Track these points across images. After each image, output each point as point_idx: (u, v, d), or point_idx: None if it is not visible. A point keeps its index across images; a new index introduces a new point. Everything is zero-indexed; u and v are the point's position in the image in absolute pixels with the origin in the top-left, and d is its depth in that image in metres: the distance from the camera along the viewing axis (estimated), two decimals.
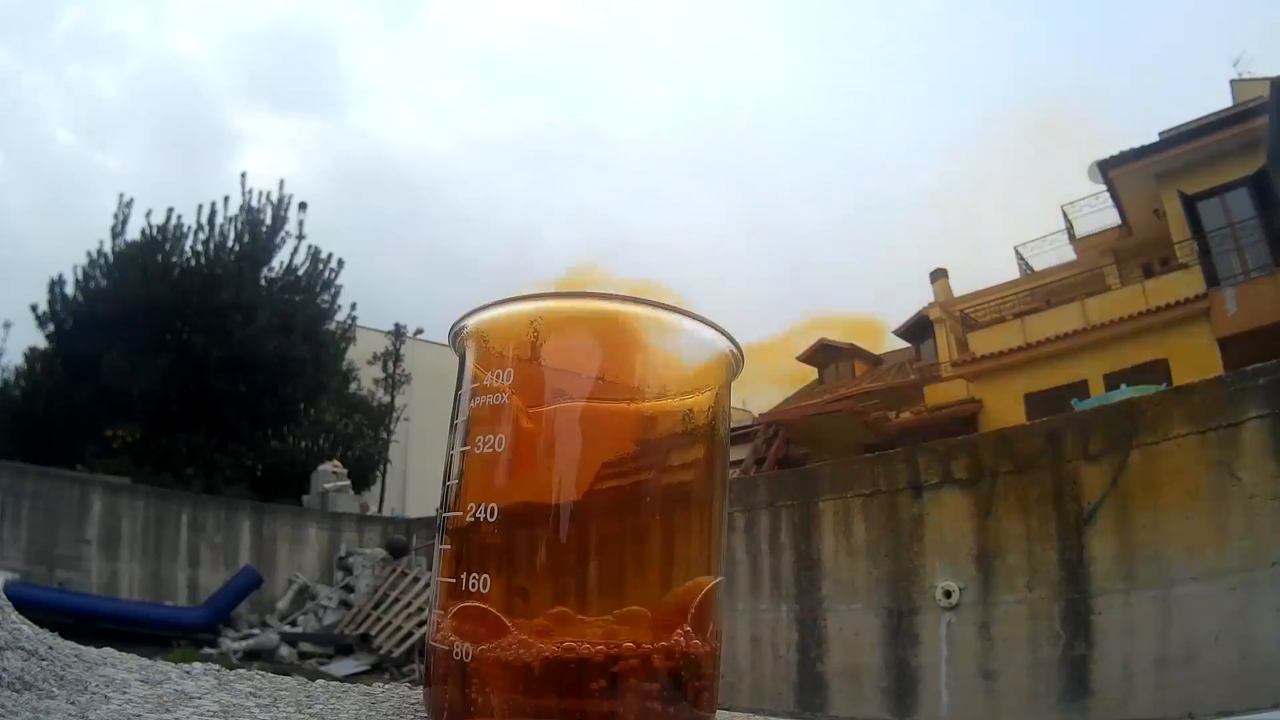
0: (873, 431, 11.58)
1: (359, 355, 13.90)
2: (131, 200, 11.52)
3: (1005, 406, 11.81)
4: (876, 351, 18.71)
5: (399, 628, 7.53)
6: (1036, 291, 14.23)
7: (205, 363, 10.39)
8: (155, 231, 11.11)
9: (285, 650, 7.52)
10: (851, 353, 18.59)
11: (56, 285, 10.99)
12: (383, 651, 7.34)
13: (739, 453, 11.17)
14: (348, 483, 11.21)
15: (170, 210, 11.23)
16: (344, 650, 7.57)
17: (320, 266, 12.15)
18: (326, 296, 12.27)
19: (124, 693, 0.45)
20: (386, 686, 0.59)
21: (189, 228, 11.28)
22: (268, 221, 11.71)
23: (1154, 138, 12.20)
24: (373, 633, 7.69)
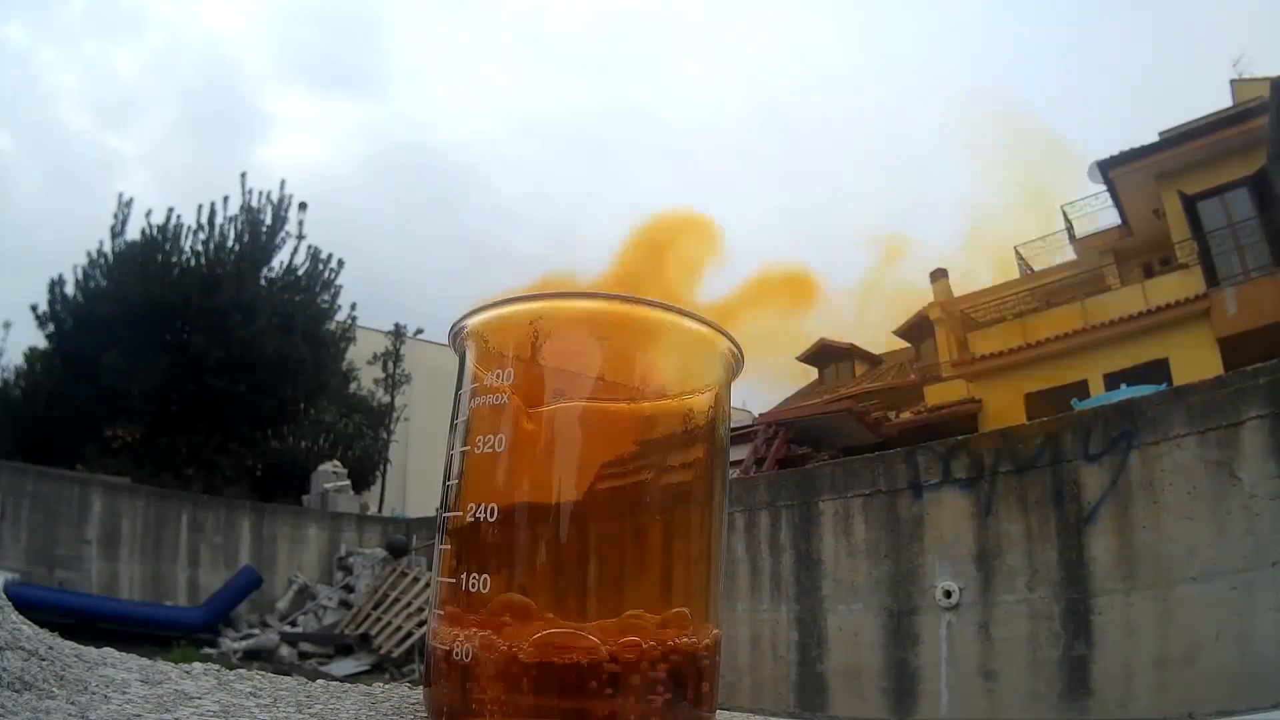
0: (873, 431, 11.57)
1: (359, 355, 13.90)
2: (131, 200, 11.54)
3: (1005, 406, 11.80)
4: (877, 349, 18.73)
5: (399, 628, 7.53)
6: (1036, 291, 14.23)
7: (205, 363, 10.39)
8: (155, 231, 11.11)
9: (285, 650, 7.52)
10: (851, 353, 18.61)
11: (56, 285, 11.00)
12: (383, 651, 7.34)
13: (739, 453, 11.15)
14: (348, 483, 11.21)
15: (170, 210, 11.26)
16: (344, 650, 7.56)
17: (320, 266, 12.15)
18: (326, 296, 12.28)
19: (124, 693, 0.45)
20: (386, 686, 0.59)
21: (189, 228, 11.29)
22: (268, 221, 11.71)
23: (1154, 138, 12.21)
24: (373, 633, 7.69)
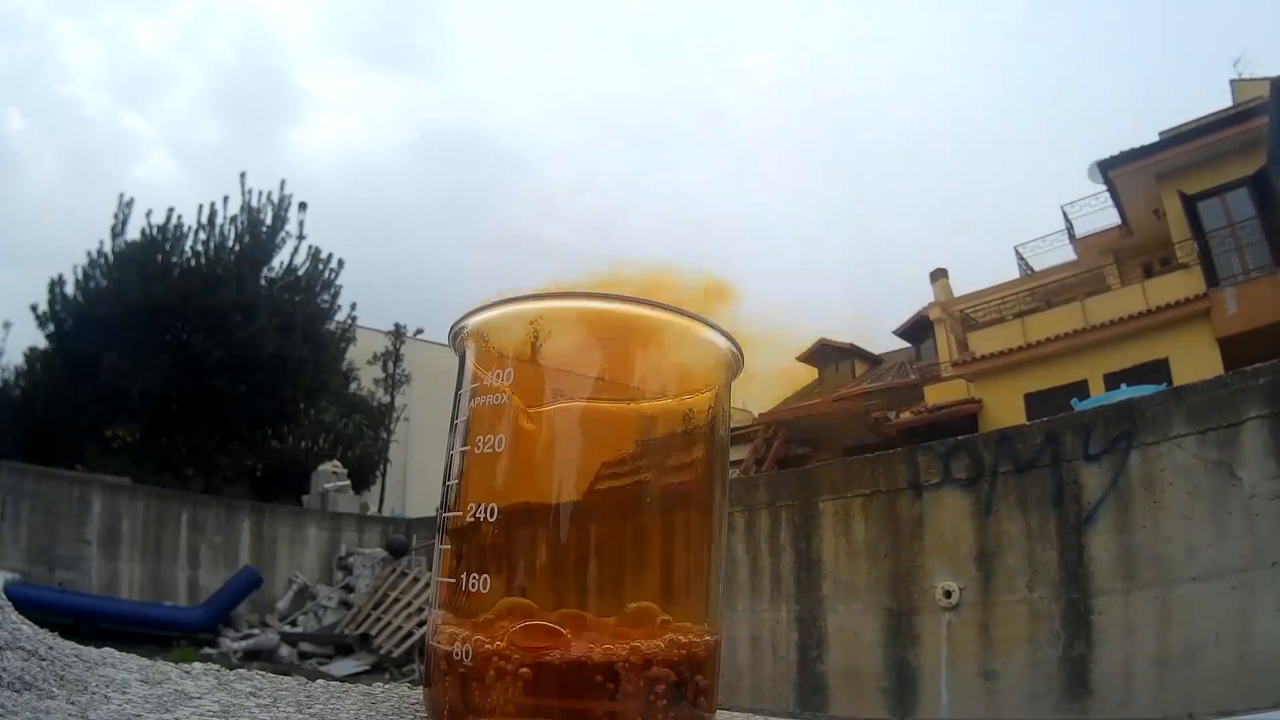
0: (873, 431, 11.57)
1: (359, 355, 13.90)
2: (132, 200, 11.55)
3: (1005, 406, 11.80)
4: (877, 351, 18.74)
5: (399, 628, 7.53)
6: (1036, 291, 14.22)
7: (205, 363, 10.38)
8: (155, 231, 11.11)
9: (285, 650, 7.52)
10: (852, 353, 18.61)
11: (56, 285, 11.00)
12: (383, 651, 7.34)
13: (739, 453, 11.16)
14: (348, 483, 11.21)
15: (170, 210, 11.27)
16: (344, 650, 7.56)
17: (320, 266, 12.15)
18: (326, 296, 12.28)
19: (124, 693, 0.45)
20: (386, 686, 0.59)
21: (189, 228, 11.29)
22: (268, 222, 11.71)
23: (1154, 138, 12.21)
24: (373, 633, 7.69)
